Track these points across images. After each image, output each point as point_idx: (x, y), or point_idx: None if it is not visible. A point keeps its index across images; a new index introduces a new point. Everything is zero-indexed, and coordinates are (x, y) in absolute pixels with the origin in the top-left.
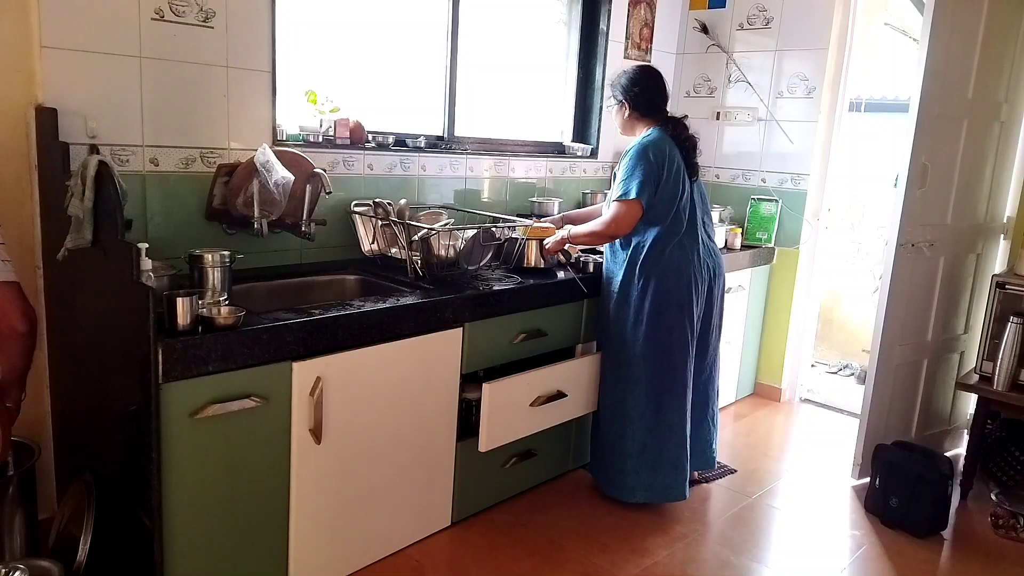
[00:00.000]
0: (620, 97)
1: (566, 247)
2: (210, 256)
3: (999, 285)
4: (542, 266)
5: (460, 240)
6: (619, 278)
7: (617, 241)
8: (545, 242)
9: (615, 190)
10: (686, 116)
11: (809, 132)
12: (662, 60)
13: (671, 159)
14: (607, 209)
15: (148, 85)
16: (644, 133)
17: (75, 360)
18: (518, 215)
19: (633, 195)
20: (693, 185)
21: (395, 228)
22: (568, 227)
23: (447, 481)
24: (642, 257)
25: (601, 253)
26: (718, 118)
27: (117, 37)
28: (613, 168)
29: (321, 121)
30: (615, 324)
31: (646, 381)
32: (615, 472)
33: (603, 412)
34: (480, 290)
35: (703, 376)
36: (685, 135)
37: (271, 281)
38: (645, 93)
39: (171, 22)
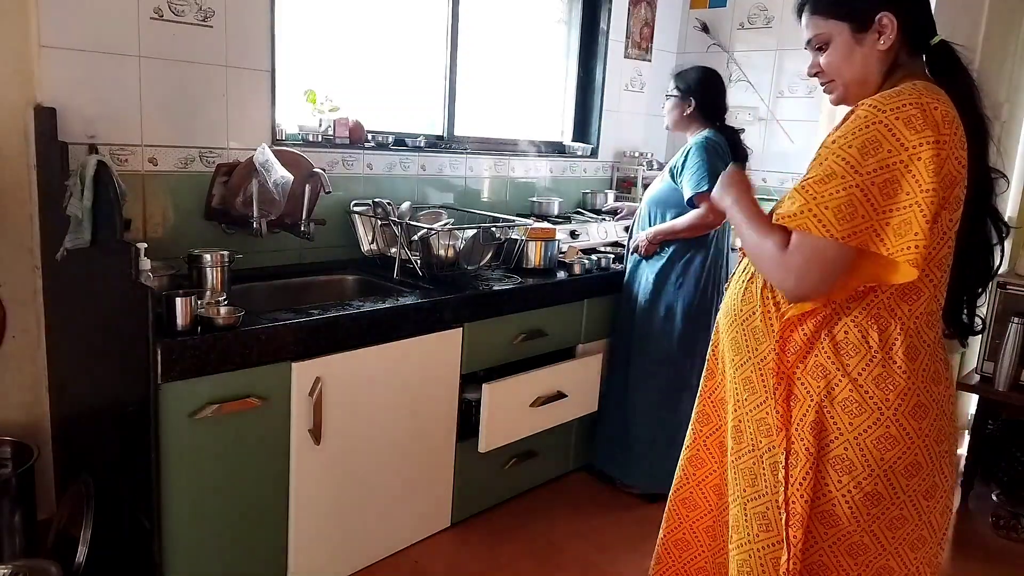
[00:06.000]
0: (683, 89)
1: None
2: (209, 256)
3: (1000, 285)
4: (542, 266)
5: (460, 240)
6: (655, 273)
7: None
8: (638, 246)
9: (689, 184)
10: (743, 130)
11: (811, 132)
12: (663, 59)
13: (725, 162)
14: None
15: (147, 85)
16: (701, 133)
17: (74, 360)
18: (518, 215)
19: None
20: None
21: (395, 228)
22: (655, 226)
23: (447, 482)
24: (687, 255)
25: (618, 248)
26: None
27: (116, 36)
28: (669, 165)
29: (320, 120)
30: (647, 317)
31: (667, 376)
32: (640, 461)
33: (633, 405)
34: (480, 290)
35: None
36: (740, 144)
37: (270, 281)
38: (711, 94)
39: (170, 21)
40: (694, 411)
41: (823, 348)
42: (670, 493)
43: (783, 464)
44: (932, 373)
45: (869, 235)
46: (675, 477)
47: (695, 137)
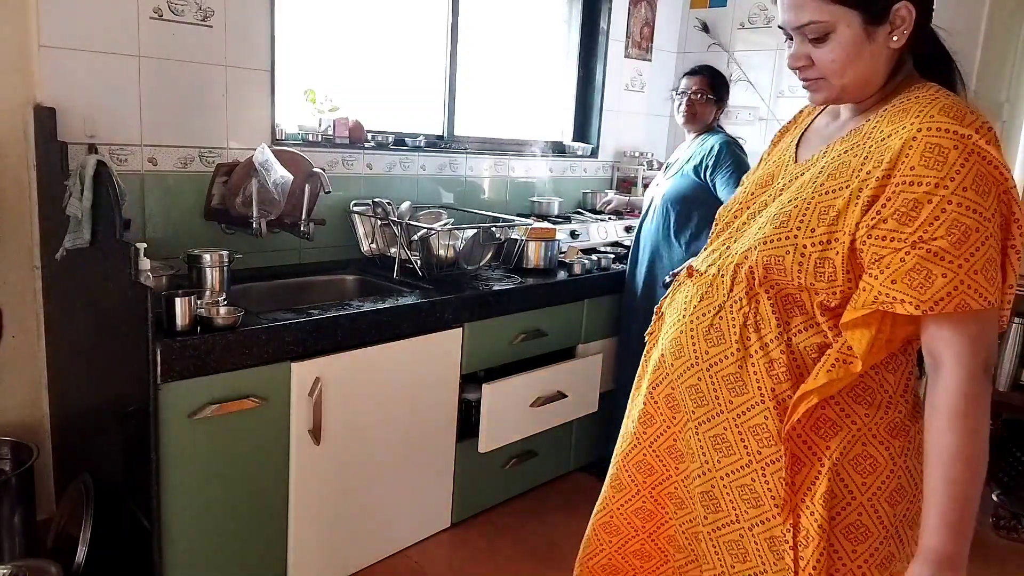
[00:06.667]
0: (721, 95)
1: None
2: (209, 256)
3: None
4: (542, 266)
5: (460, 240)
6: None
7: (671, 229)
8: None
9: (729, 186)
10: None
11: None
12: (663, 59)
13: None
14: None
15: (147, 84)
16: (717, 133)
17: (74, 360)
18: (518, 215)
19: None
20: None
21: (394, 228)
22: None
23: (447, 482)
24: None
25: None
26: None
27: (116, 36)
28: (690, 163)
29: (320, 120)
30: None
31: None
32: None
33: None
34: (480, 290)
35: None
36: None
37: (270, 281)
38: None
39: (170, 21)
40: (630, 460)
41: (835, 400)
42: (601, 550)
43: (789, 543)
44: (921, 408)
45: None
46: (601, 531)
47: (715, 136)
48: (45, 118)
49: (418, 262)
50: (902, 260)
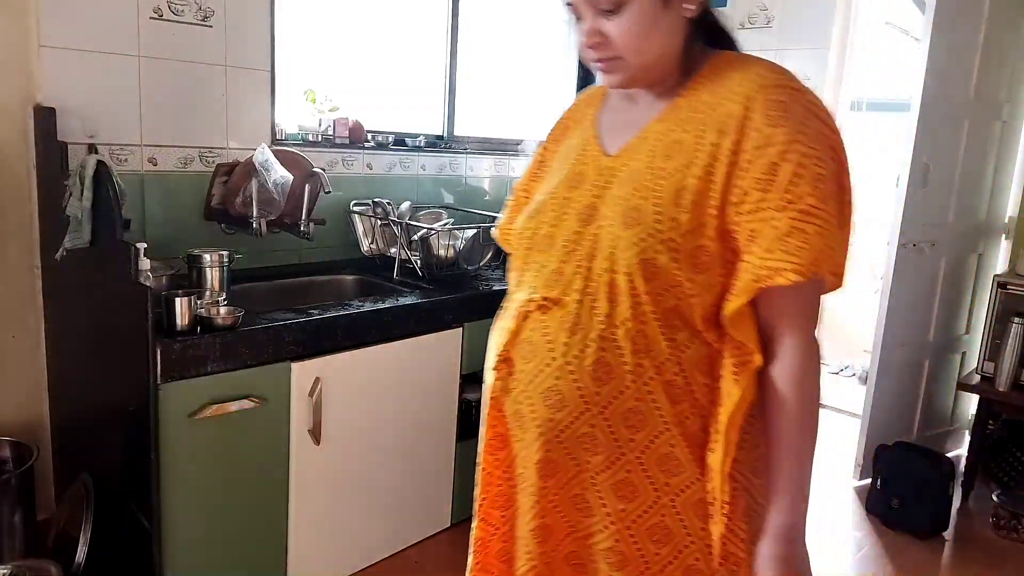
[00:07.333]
0: None
1: None
2: (209, 256)
3: (1000, 285)
4: None
5: (460, 240)
6: None
7: None
8: None
9: None
10: None
11: None
12: None
13: None
14: None
15: (147, 84)
16: None
17: (74, 360)
18: None
19: None
20: None
21: (394, 228)
22: None
23: (447, 482)
24: None
25: None
26: None
27: (116, 36)
28: None
29: (320, 120)
30: None
31: None
32: None
33: None
34: (480, 290)
35: None
36: None
37: (270, 281)
38: None
39: (170, 21)
40: (527, 526)
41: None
42: None
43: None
44: None
45: None
46: None
47: None
48: (45, 118)
49: (418, 262)
50: (774, 227)
